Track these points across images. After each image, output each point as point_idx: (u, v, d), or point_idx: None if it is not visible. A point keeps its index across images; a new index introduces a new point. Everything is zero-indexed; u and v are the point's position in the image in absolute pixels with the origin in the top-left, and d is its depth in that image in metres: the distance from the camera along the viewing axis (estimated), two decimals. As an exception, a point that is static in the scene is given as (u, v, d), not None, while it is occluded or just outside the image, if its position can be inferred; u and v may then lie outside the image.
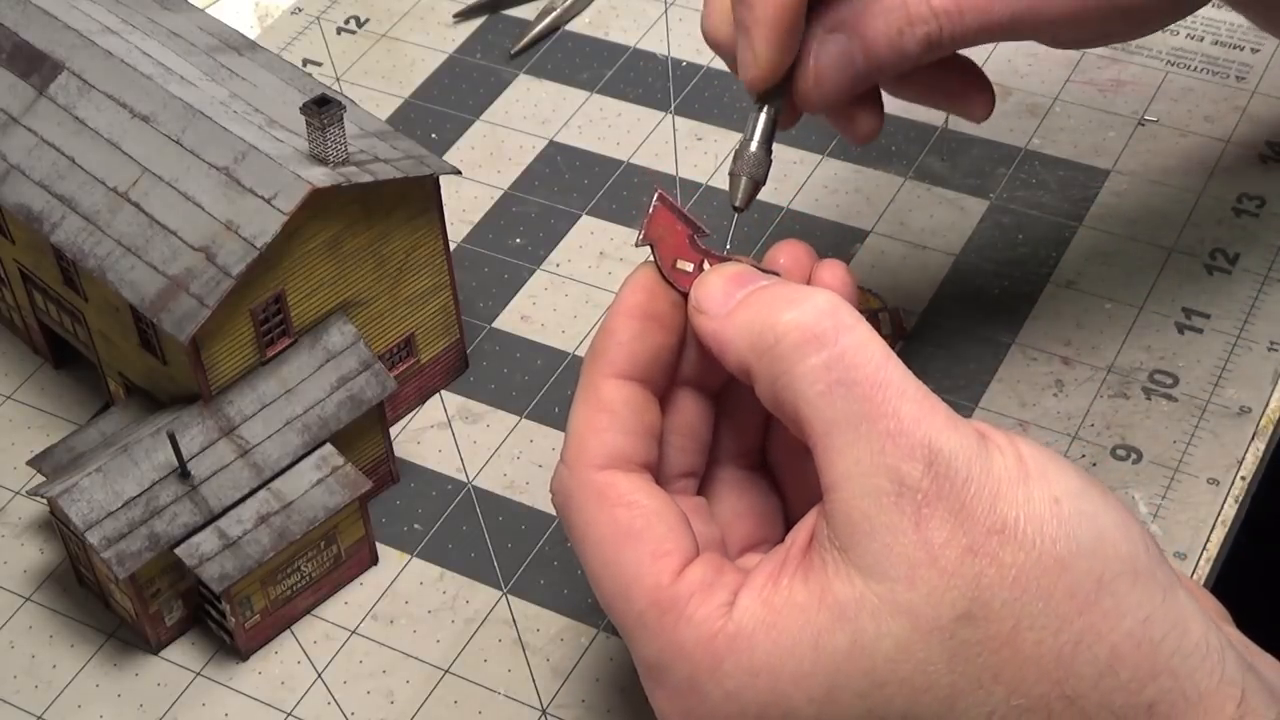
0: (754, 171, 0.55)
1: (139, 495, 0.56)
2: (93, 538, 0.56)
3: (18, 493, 0.65)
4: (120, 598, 0.59)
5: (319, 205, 0.57)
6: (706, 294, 0.49)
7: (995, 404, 0.65)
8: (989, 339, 0.67)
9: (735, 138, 0.73)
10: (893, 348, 0.46)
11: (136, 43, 0.62)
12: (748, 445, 0.54)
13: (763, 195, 0.58)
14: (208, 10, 0.73)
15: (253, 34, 0.83)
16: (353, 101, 0.63)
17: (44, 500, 0.58)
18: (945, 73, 0.59)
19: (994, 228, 0.71)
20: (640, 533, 0.48)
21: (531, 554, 0.62)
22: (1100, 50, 0.78)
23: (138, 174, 0.58)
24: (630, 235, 0.72)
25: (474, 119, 0.78)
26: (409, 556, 0.62)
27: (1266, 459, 0.63)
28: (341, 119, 0.57)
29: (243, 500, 0.58)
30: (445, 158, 0.76)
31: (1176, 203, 0.72)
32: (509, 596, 0.60)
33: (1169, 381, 0.65)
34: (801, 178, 0.74)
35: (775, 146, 0.55)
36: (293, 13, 0.84)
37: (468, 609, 0.60)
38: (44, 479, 0.60)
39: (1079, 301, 0.68)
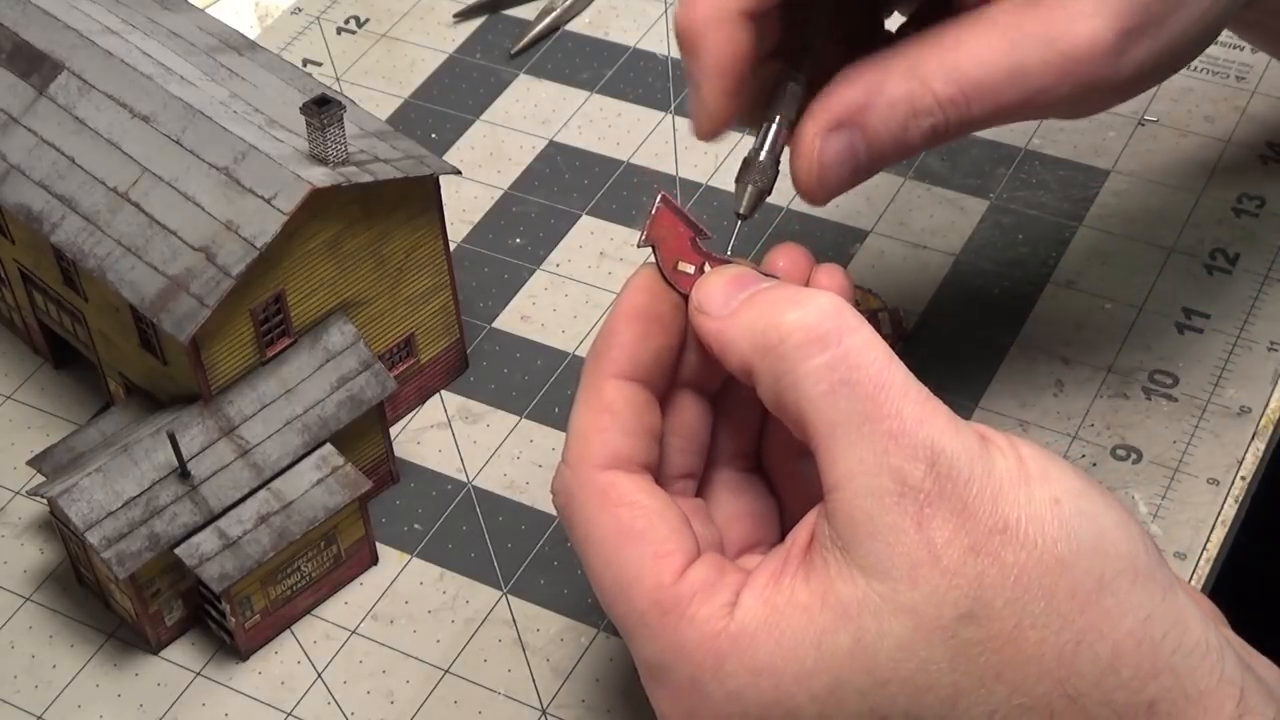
0: (762, 182, 0.54)
1: (139, 495, 0.56)
2: (93, 538, 0.56)
3: (18, 493, 0.64)
4: (120, 598, 0.59)
5: (319, 205, 0.57)
6: (708, 295, 0.49)
7: (995, 404, 0.65)
8: (989, 339, 0.67)
9: (735, 138, 0.73)
10: (892, 348, 0.46)
11: (136, 43, 0.62)
12: (744, 447, 0.54)
13: (763, 195, 0.58)
14: (208, 10, 0.73)
15: (253, 34, 0.83)
16: (353, 101, 0.63)
17: (44, 500, 0.58)
18: None
19: (994, 228, 0.71)
20: (642, 533, 0.48)
21: (531, 554, 0.62)
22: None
23: (138, 174, 0.58)
24: (630, 235, 0.72)
25: (474, 119, 0.78)
26: (409, 556, 0.62)
27: (1266, 459, 0.63)
28: (341, 119, 0.57)
29: (243, 500, 0.58)
30: (445, 158, 0.76)
31: (1176, 203, 0.72)
32: (509, 596, 0.60)
33: (1169, 381, 0.65)
34: (801, 178, 0.74)
35: None
36: (293, 13, 0.84)
37: (468, 609, 0.60)
38: (44, 479, 0.60)
39: (1079, 301, 0.68)
